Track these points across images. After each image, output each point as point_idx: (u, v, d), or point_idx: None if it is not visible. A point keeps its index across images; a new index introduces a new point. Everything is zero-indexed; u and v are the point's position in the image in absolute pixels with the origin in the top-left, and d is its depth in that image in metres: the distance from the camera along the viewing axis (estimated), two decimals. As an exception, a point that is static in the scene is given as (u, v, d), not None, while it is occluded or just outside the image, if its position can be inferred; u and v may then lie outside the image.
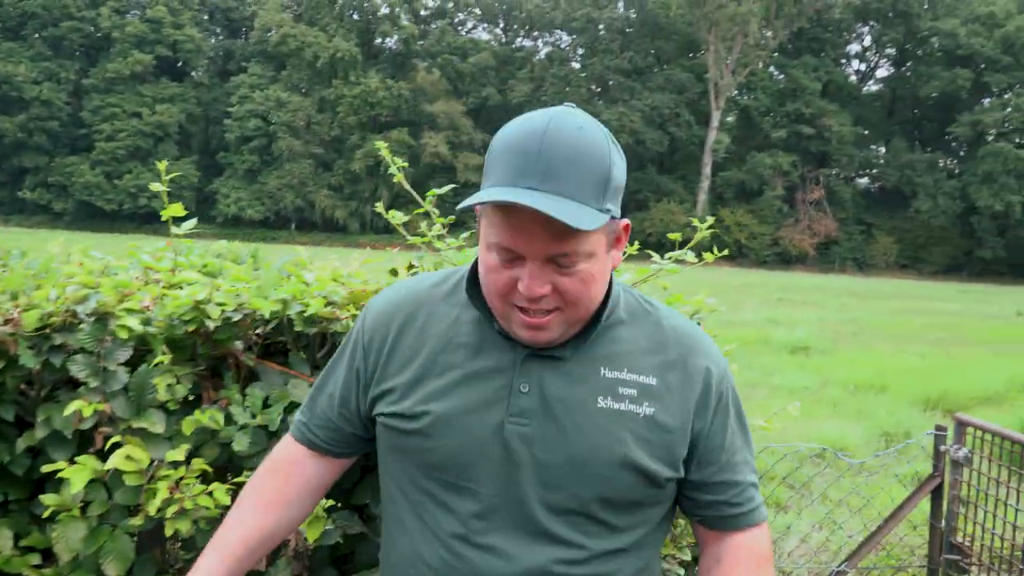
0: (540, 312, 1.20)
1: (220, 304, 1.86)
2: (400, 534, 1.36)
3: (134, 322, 1.82)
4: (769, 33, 56.75)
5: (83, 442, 1.90)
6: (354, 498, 2.17)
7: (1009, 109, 54.30)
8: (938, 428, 3.54)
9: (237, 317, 1.89)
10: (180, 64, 59.85)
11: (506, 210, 1.16)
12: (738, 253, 54.29)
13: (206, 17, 63.62)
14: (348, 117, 55.69)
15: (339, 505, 2.24)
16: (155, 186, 2.02)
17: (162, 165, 1.96)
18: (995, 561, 3.36)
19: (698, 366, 1.31)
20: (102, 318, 1.83)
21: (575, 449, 1.24)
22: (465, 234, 2.78)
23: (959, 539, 3.40)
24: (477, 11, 65.32)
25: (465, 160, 55.47)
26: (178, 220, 2.14)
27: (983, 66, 55.61)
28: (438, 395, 1.29)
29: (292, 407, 2.01)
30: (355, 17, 60.05)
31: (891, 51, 63.98)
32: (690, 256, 2.69)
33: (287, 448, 1.50)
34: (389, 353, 1.36)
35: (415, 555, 1.32)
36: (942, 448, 3.47)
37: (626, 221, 1.28)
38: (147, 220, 49.84)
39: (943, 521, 3.47)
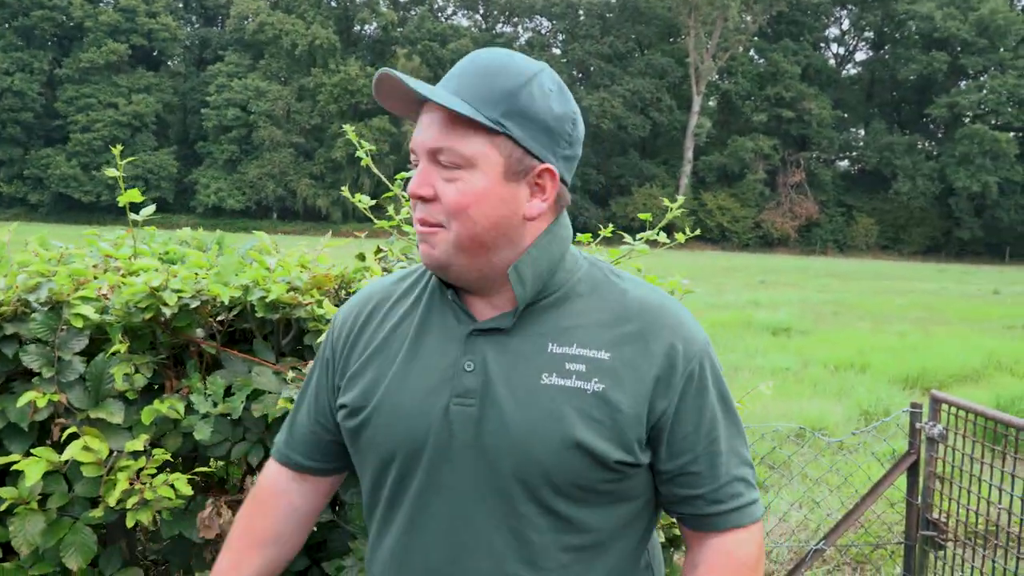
0: (427, 224, 1.18)
1: (177, 291, 1.82)
2: (371, 531, 1.32)
3: (89, 310, 1.78)
4: (748, 17, 56.79)
5: (43, 434, 1.87)
6: (322, 486, 2.15)
7: (985, 91, 54.74)
8: (913, 405, 3.55)
9: (195, 304, 1.85)
10: (155, 53, 59.21)
11: (419, 113, 1.21)
12: (721, 237, 54.55)
13: (181, 5, 62.95)
14: (328, 105, 55.33)
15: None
16: (110, 171, 1.97)
17: (116, 150, 1.92)
18: (971, 537, 3.38)
19: (660, 339, 1.20)
20: (55, 307, 1.79)
21: (518, 430, 1.17)
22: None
23: (935, 515, 3.41)
24: (457, -3, 65.05)
25: (446, 147, 55.24)
26: (136, 207, 2.10)
27: (959, 49, 56.06)
28: (384, 380, 1.25)
29: (256, 395, 1.98)
30: (333, 4, 59.62)
31: (869, 34, 64.32)
32: (662, 236, 2.68)
33: (271, 476, 1.45)
34: (350, 348, 1.33)
35: (378, 550, 1.29)
36: (917, 425, 3.47)
37: (547, 165, 1.19)
38: (131, 207, 49.22)
39: (919, 498, 3.47)
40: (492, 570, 1.19)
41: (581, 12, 59.93)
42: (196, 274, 1.95)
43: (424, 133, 1.17)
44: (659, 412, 1.19)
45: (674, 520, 2.29)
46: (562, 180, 1.22)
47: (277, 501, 1.42)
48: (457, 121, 1.14)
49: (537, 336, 1.21)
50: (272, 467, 1.45)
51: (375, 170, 2.74)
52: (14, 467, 1.74)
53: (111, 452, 1.82)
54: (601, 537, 1.22)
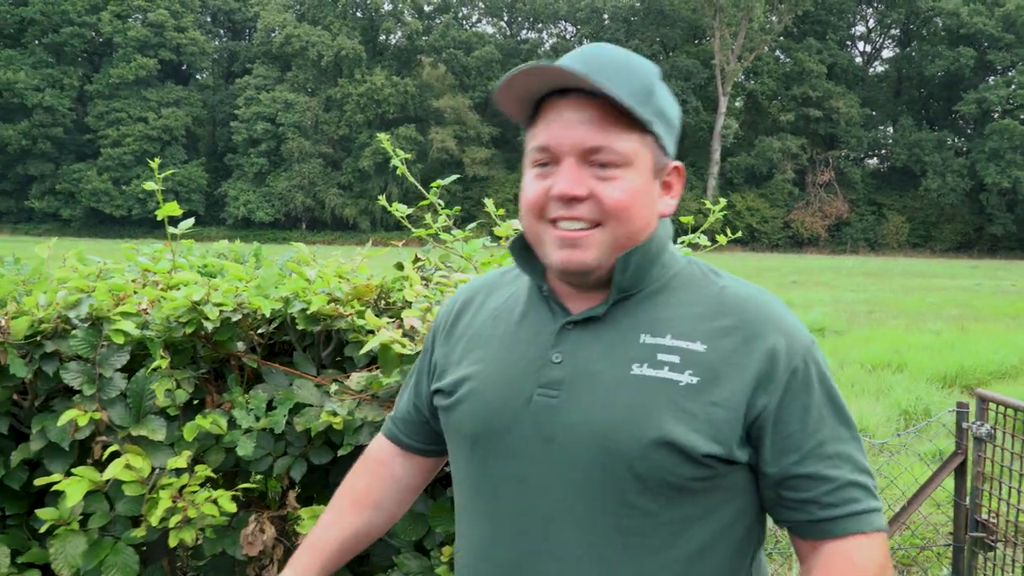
0: (576, 225, 1.13)
1: (218, 304, 1.79)
2: (459, 524, 1.31)
3: (130, 326, 1.75)
4: (774, 17, 56.36)
5: (83, 452, 1.85)
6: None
7: (1013, 86, 53.98)
8: (959, 405, 3.47)
9: (236, 317, 1.82)
10: (184, 67, 59.87)
11: (547, 108, 1.15)
12: (750, 237, 54.16)
13: (208, 19, 63.62)
14: (355, 115, 55.61)
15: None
16: (148, 185, 1.95)
17: (155, 163, 1.90)
18: (1020, 537, 3.30)
19: (761, 334, 1.14)
20: (96, 323, 1.77)
21: (601, 421, 1.12)
22: (472, 224, 2.72)
23: (984, 516, 3.33)
24: (481, 4, 65.08)
25: (472, 154, 55.37)
26: (174, 220, 2.08)
27: (986, 44, 55.32)
28: (475, 366, 1.25)
29: (297, 408, 1.95)
30: (358, 15, 59.93)
31: (895, 32, 63.61)
32: (703, 239, 2.63)
33: (377, 446, 1.50)
34: (447, 335, 1.35)
35: (462, 542, 1.29)
36: (964, 425, 3.40)
37: (678, 164, 1.21)
38: (157, 225, 49.22)
39: (967, 498, 3.39)
40: (562, 573, 1.13)
41: (606, 16, 59.79)
42: (237, 287, 1.93)
43: (574, 131, 1.12)
44: (759, 408, 1.12)
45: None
46: None
47: (380, 470, 1.47)
48: (612, 118, 1.11)
49: (629, 328, 1.17)
50: (379, 438, 1.51)
51: (410, 178, 2.70)
52: (55, 487, 1.72)
53: (153, 470, 1.79)
54: (692, 547, 1.13)
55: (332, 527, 1.41)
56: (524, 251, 1.26)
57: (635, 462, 1.10)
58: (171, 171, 2.06)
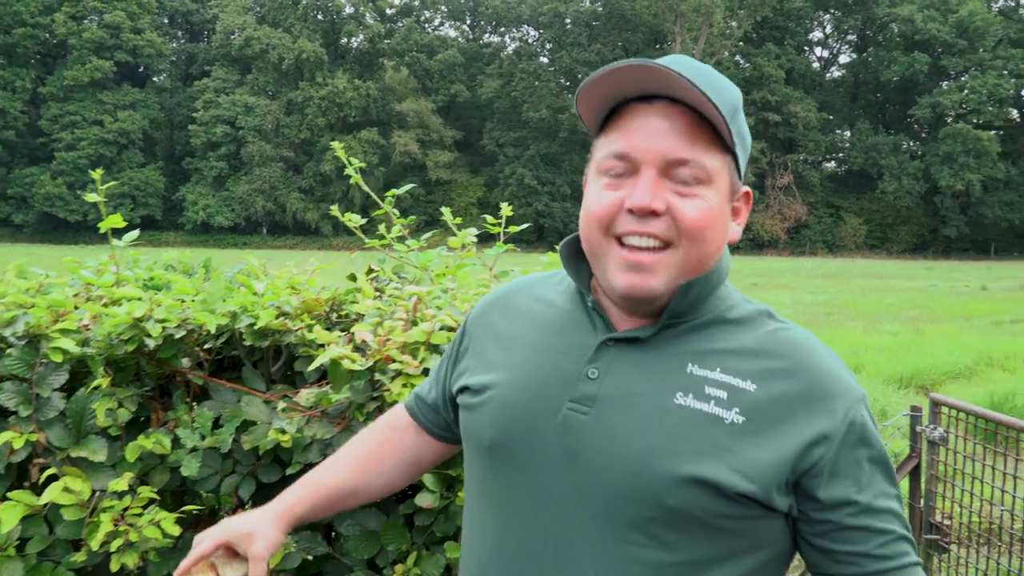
0: (646, 243, 1.06)
1: (161, 320, 1.74)
2: (467, 528, 1.26)
3: (69, 343, 1.69)
4: (734, 23, 56.98)
5: (20, 475, 1.79)
6: (317, 517, 2.07)
7: (966, 91, 55.23)
8: (913, 409, 3.53)
9: (180, 334, 1.77)
10: (141, 70, 58.95)
11: (627, 113, 1.09)
12: (710, 240, 54.72)
13: (166, 21, 62.73)
14: (317, 119, 55.15)
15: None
16: (90, 197, 1.90)
17: (96, 174, 1.84)
18: (972, 538, 3.36)
19: (816, 382, 1.08)
20: (33, 340, 1.71)
21: (635, 447, 1.05)
22: (428, 234, 2.69)
23: (937, 518, 3.38)
24: (443, 8, 64.98)
25: (435, 158, 55.25)
26: (119, 232, 2.03)
27: (940, 50, 56.55)
28: (505, 370, 1.19)
29: (245, 426, 1.91)
30: (319, 17, 59.47)
31: (852, 37, 64.75)
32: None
33: (396, 413, 1.47)
34: (482, 329, 1.30)
35: (468, 552, 1.23)
36: (918, 429, 3.45)
37: (747, 189, 1.17)
38: (114, 232, 48.73)
39: (921, 501, 3.44)
40: None
41: (568, 21, 59.95)
42: (181, 302, 1.88)
43: (661, 139, 1.06)
44: (815, 458, 1.06)
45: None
46: None
47: (391, 436, 1.44)
48: (702, 131, 1.07)
49: (677, 355, 1.11)
50: (400, 406, 1.47)
51: (365, 187, 2.67)
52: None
53: (94, 492, 1.73)
54: None
55: (333, 474, 1.39)
56: (575, 255, 1.21)
57: (666, 493, 1.04)
58: (111, 183, 2.01)
